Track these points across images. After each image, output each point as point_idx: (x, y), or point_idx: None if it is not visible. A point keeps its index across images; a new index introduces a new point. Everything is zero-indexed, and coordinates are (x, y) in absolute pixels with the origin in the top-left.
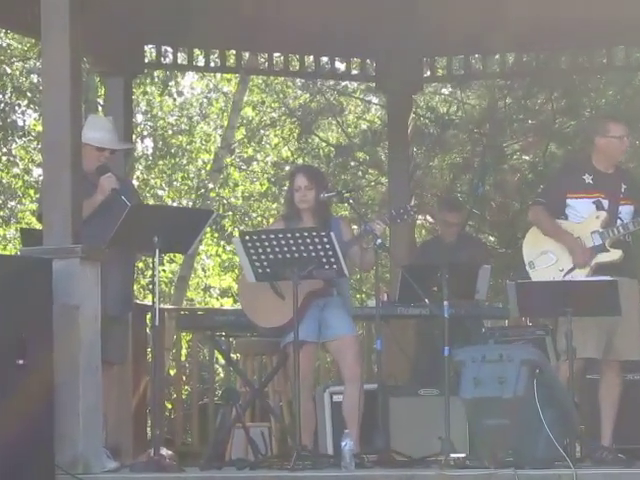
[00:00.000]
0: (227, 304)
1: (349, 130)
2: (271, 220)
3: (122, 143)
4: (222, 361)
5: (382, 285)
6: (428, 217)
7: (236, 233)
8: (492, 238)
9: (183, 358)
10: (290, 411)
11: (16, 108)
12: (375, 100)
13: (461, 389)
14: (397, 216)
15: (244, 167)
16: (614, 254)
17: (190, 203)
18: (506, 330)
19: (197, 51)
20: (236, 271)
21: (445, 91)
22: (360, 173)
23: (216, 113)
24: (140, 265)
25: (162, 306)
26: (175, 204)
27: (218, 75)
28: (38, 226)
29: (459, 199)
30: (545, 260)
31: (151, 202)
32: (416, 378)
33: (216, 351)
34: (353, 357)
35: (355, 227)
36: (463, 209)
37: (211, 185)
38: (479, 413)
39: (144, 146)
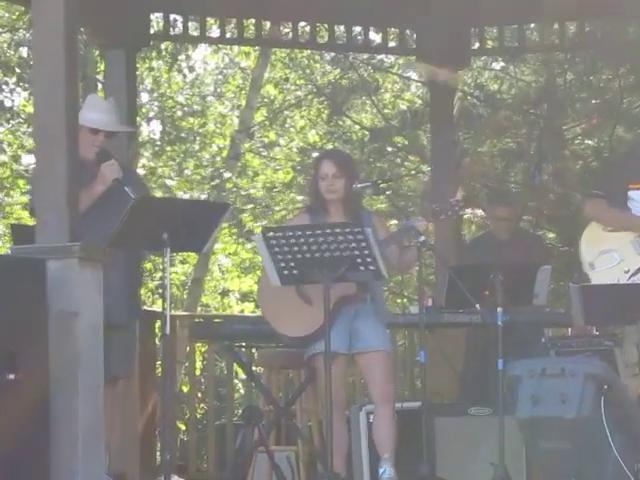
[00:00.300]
0: (248, 310)
1: (386, 111)
2: (296, 213)
3: (120, 125)
4: (242, 375)
5: (426, 289)
6: (477, 211)
7: (257, 229)
8: (551, 234)
9: (198, 372)
10: (320, 433)
11: (3, 86)
12: (415, 76)
13: (517, 408)
14: (440, 212)
15: (265, 154)
16: None
17: (204, 195)
18: (569, 340)
19: (211, 20)
20: (258, 272)
21: (496, 66)
22: (398, 160)
23: (233, 92)
24: (148, 266)
25: (173, 313)
26: (186, 196)
27: (235, 48)
28: (30, 221)
29: (511, 191)
30: (607, 260)
31: (159, 194)
32: (465, 395)
33: (235, 364)
34: (384, 375)
35: (394, 222)
36: (515, 202)
37: (227, 174)
38: (537, 435)
39: (150, 130)
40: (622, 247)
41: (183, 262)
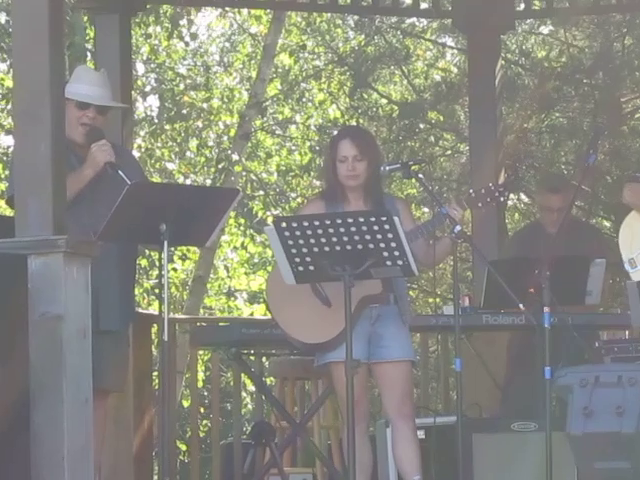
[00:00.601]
0: (257, 312)
1: (417, 82)
2: None
3: (111, 100)
4: (251, 387)
5: (462, 286)
6: (522, 196)
7: (269, 219)
8: (607, 223)
9: (200, 384)
10: (341, 452)
11: None
12: (451, 43)
13: (567, 422)
14: (477, 198)
15: (279, 132)
16: None
17: (208, 180)
18: (627, 344)
19: None
20: (269, 269)
21: (544, 30)
22: (432, 139)
23: (241, 62)
24: (143, 262)
25: (172, 316)
26: (189, 181)
27: (244, 11)
28: (9, 212)
29: (563, 175)
30: None
31: (157, 179)
32: (507, 408)
33: (243, 374)
34: (404, 389)
35: (426, 210)
36: (568, 189)
37: (236, 156)
38: (591, 454)
39: (147, 105)
40: None
41: (183, 258)
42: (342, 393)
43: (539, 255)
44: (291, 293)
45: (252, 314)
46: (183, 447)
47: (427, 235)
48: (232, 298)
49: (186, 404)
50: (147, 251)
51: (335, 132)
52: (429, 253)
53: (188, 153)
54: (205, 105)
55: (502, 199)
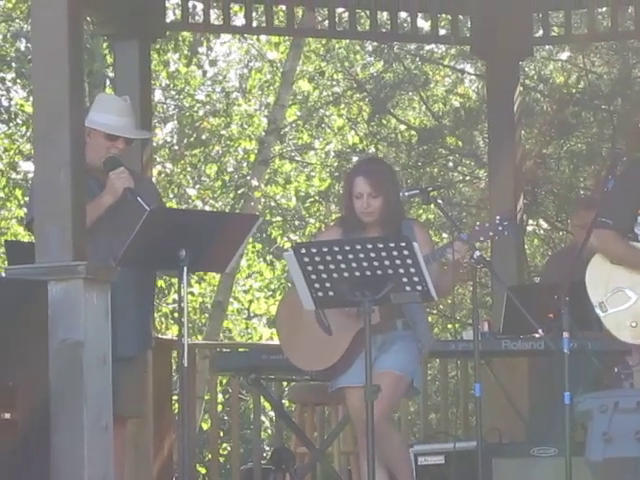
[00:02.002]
0: (276, 337)
1: (436, 108)
2: None
3: (141, 131)
4: (271, 412)
5: (481, 311)
6: (542, 222)
7: (288, 245)
8: None
9: (220, 409)
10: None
11: None
12: (470, 69)
13: (587, 448)
14: (481, 233)
15: (298, 158)
16: None
17: (227, 206)
18: None
19: (235, 6)
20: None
21: (562, 56)
22: (451, 164)
23: (260, 88)
24: (159, 284)
25: (192, 341)
26: (208, 207)
27: (263, 38)
28: (28, 238)
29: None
30: (620, 299)
31: (176, 205)
32: (528, 433)
33: (263, 399)
34: (385, 399)
35: (445, 236)
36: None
37: (255, 182)
38: (610, 478)
39: (166, 132)
40: (637, 284)
41: (200, 281)
42: (355, 416)
43: (557, 279)
44: (296, 321)
45: (270, 338)
46: (202, 470)
47: (438, 260)
48: (251, 322)
49: (205, 427)
50: (165, 276)
51: (353, 162)
52: (441, 279)
53: (207, 179)
54: (224, 131)
55: (505, 233)
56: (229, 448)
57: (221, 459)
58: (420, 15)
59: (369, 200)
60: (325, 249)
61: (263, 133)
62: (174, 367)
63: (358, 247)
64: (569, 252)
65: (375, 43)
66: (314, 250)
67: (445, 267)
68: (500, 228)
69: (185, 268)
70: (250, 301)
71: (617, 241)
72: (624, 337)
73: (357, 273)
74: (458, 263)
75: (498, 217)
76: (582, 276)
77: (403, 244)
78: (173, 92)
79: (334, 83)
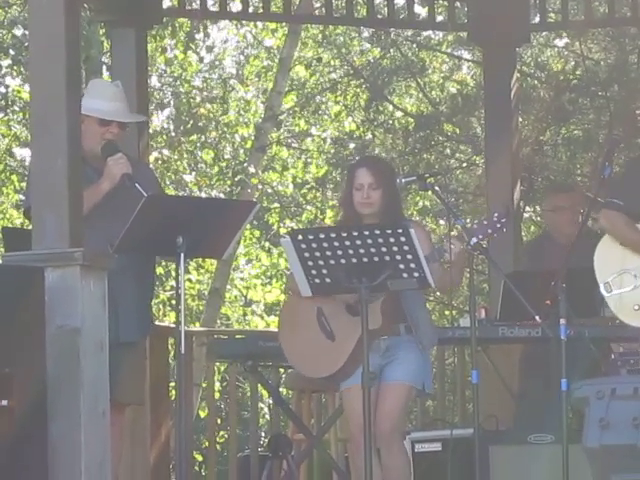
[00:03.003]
0: (274, 324)
1: (433, 95)
2: (329, 214)
3: (134, 115)
4: (268, 399)
5: (478, 298)
6: (538, 208)
7: (285, 231)
8: None
9: (217, 396)
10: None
11: None
12: (467, 55)
13: (584, 435)
14: (479, 230)
15: (295, 145)
16: None
17: (224, 193)
18: None
19: None
20: (284, 280)
21: (559, 43)
22: (448, 151)
23: (257, 74)
24: (158, 271)
25: (189, 328)
26: (205, 194)
27: (260, 24)
28: (25, 224)
29: (573, 180)
30: (626, 281)
31: (173, 191)
32: (524, 420)
33: (260, 387)
34: (397, 409)
35: (442, 223)
36: (575, 190)
37: (252, 169)
38: (608, 466)
39: (163, 118)
40: None
41: (198, 268)
42: (351, 415)
43: (550, 265)
44: (299, 326)
45: (268, 325)
46: (199, 458)
47: (438, 260)
48: (249, 309)
49: (203, 415)
50: (163, 262)
51: (352, 145)
52: (443, 278)
53: (204, 166)
54: (221, 117)
55: (504, 230)
56: (226, 435)
57: (218, 446)
58: (417, 1)
59: (369, 191)
60: (322, 235)
61: (260, 120)
62: (171, 354)
63: (355, 233)
64: (542, 242)
65: (372, 30)
66: (311, 237)
67: (446, 266)
68: (498, 226)
69: (182, 254)
70: (247, 288)
71: (625, 223)
72: (626, 319)
73: (354, 260)
74: (459, 257)
75: (495, 214)
76: (579, 262)
77: (400, 230)
78: (170, 79)
79: (331, 70)
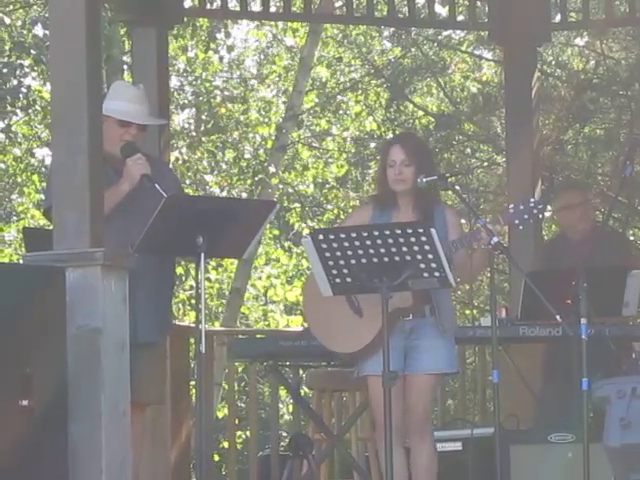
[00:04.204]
0: (295, 324)
1: (454, 94)
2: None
3: (154, 117)
4: (287, 399)
5: (499, 298)
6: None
7: (306, 231)
8: None
9: (237, 396)
10: (378, 464)
11: (17, 70)
12: (488, 55)
13: (604, 434)
14: (515, 215)
15: (315, 144)
16: None
17: (245, 192)
18: None
19: None
20: (303, 280)
21: (580, 42)
22: (469, 150)
23: (278, 74)
24: (178, 271)
25: (209, 328)
26: (225, 193)
27: (280, 24)
28: (45, 224)
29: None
30: None
31: (193, 191)
32: (545, 420)
33: (281, 386)
34: (426, 408)
35: (463, 222)
36: (585, 187)
37: (272, 168)
38: (628, 465)
39: (184, 118)
40: None
41: (217, 267)
42: (376, 406)
43: (567, 264)
44: (325, 302)
45: (288, 325)
46: (216, 458)
47: (468, 246)
48: (269, 309)
49: (222, 415)
50: (183, 262)
51: (372, 145)
52: (465, 265)
53: (225, 165)
54: (242, 117)
55: (540, 216)
56: (244, 436)
57: (238, 446)
58: (438, 1)
59: (401, 167)
60: (343, 235)
61: (281, 119)
62: (192, 354)
63: (376, 233)
64: (557, 241)
65: (393, 29)
66: (332, 236)
67: (469, 252)
68: (535, 211)
69: (202, 254)
70: (267, 287)
71: None
72: None
73: (375, 259)
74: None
75: (532, 200)
76: (600, 261)
77: (421, 230)
78: (190, 78)
79: (352, 69)
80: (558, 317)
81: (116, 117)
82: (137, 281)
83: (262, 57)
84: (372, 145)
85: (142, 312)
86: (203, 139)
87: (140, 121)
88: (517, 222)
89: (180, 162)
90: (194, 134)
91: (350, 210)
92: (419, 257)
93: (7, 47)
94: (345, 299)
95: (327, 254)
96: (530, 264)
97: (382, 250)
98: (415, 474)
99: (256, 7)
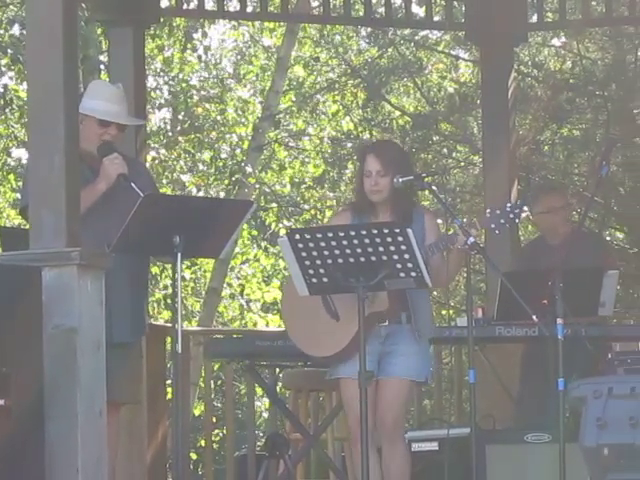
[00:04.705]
0: (272, 323)
1: (431, 94)
2: (328, 214)
3: (133, 118)
4: (265, 399)
5: (475, 298)
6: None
7: (282, 231)
8: (620, 235)
9: (213, 395)
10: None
11: None
12: (465, 55)
13: (581, 434)
14: (492, 220)
15: (292, 144)
16: None
17: (222, 192)
18: None
19: None
20: (280, 277)
21: (557, 42)
22: (446, 151)
23: (255, 74)
24: (153, 270)
25: (186, 328)
26: (202, 193)
27: (257, 24)
28: (22, 223)
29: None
30: None
31: (170, 191)
32: (521, 420)
33: (257, 386)
34: (398, 413)
35: (440, 222)
36: (563, 190)
37: (249, 168)
38: (605, 465)
39: (160, 118)
40: None
41: (191, 266)
42: (348, 409)
43: (552, 265)
44: (302, 306)
45: (266, 324)
46: (194, 456)
47: (444, 248)
48: (246, 308)
49: (199, 413)
50: (159, 262)
51: (349, 145)
52: (441, 269)
53: (201, 165)
54: (219, 117)
55: (517, 220)
56: (221, 434)
57: (214, 445)
58: (414, 1)
59: (377, 178)
60: (319, 235)
61: (258, 119)
62: (168, 353)
63: (352, 233)
64: (535, 245)
65: (370, 29)
66: (308, 236)
67: (445, 253)
68: (511, 216)
69: (179, 254)
70: (244, 287)
71: None
72: None
73: (351, 259)
74: (459, 253)
75: (509, 205)
76: (576, 262)
77: (397, 230)
78: (167, 78)
79: (329, 69)
80: (534, 317)
81: (97, 117)
82: (112, 281)
83: (239, 57)
84: (349, 145)
85: (117, 312)
86: (180, 139)
87: (120, 121)
88: (493, 226)
89: (157, 162)
90: (171, 134)
91: (327, 210)
92: (395, 257)
93: None
94: (322, 304)
95: (303, 254)
96: (507, 264)
97: (359, 250)
98: (388, 477)
99: (233, 7)
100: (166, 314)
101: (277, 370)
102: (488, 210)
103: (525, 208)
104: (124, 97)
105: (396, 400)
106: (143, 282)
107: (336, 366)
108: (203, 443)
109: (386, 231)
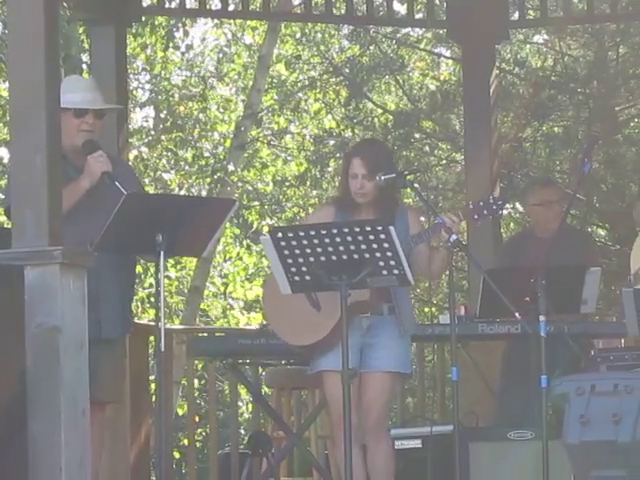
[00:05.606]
0: (254, 321)
1: (412, 92)
2: (310, 211)
3: (108, 103)
4: (248, 397)
5: (458, 295)
6: (518, 205)
7: (265, 229)
8: (602, 232)
9: (197, 393)
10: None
11: None
12: (446, 53)
13: (563, 431)
14: (475, 211)
15: (275, 142)
16: None
17: (204, 191)
18: (623, 353)
19: None
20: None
21: (539, 39)
22: (427, 148)
23: (237, 72)
24: (137, 269)
25: (169, 326)
26: (184, 192)
27: (239, 22)
28: (4, 223)
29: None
30: None
31: (153, 189)
32: (503, 417)
33: (240, 384)
34: (382, 407)
35: (422, 219)
36: (557, 185)
37: (231, 167)
38: (587, 462)
39: (143, 116)
40: None
41: (176, 265)
42: (331, 403)
43: (532, 261)
44: (284, 297)
45: (248, 322)
46: (177, 455)
47: (425, 241)
48: (228, 306)
49: (182, 412)
50: (142, 261)
51: (332, 142)
52: (433, 257)
53: (183, 163)
54: (201, 115)
55: (500, 212)
56: (204, 433)
57: (197, 444)
58: None
59: (363, 181)
60: (302, 233)
61: (240, 117)
62: (151, 352)
63: (334, 231)
64: (523, 237)
65: (351, 27)
66: (290, 234)
67: (430, 250)
68: (494, 207)
69: (162, 253)
70: (226, 285)
71: None
72: None
73: (334, 257)
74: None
75: (492, 197)
76: (558, 258)
77: (379, 228)
78: (149, 76)
79: (311, 67)
80: (517, 314)
81: (70, 107)
82: (100, 278)
83: (221, 55)
84: (331, 143)
85: (106, 309)
86: (162, 137)
87: (94, 106)
88: (476, 217)
89: (139, 160)
90: (153, 132)
91: (310, 208)
92: (378, 255)
93: None
94: (305, 294)
95: (286, 252)
96: (489, 262)
97: (341, 248)
98: (372, 473)
99: (215, 5)
100: (150, 313)
101: (260, 368)
102: (471, 202)
103: (507, 203)
104: (96, 85)
105: (380, 396)
106: (130, 279)
107: (317, 359)
108: (186, 442)
109: (369, 229)
